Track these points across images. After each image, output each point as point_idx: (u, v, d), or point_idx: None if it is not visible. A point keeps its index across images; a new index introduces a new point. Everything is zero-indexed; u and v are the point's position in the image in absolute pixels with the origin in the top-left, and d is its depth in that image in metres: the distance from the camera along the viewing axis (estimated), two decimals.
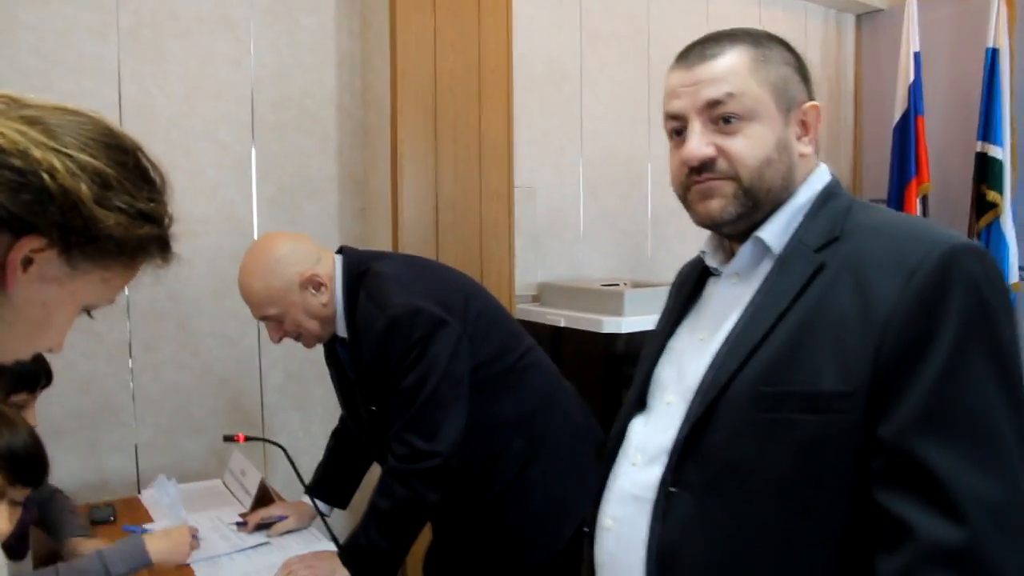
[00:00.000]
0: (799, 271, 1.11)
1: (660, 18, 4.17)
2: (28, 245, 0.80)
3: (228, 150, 3.03)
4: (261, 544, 2.20)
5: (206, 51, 2.95)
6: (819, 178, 1.21)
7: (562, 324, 3.40)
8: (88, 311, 0.93)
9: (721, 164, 1.15)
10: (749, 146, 1.14)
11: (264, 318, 2.02)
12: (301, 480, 1.92)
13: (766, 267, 1.17)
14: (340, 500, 2.34)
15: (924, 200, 4.81)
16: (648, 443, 1.21)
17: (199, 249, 2.94)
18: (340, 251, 2.11)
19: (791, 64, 1.19)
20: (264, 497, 2.44)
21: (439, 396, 1.88)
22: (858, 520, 1.02)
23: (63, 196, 0.80)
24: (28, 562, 1.96)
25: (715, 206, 1.17)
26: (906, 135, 4.78)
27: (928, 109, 4.83)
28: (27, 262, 0.81)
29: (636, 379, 1.33)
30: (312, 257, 2.02)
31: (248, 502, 2.44)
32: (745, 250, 1.19)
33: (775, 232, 1.17)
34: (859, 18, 5.31)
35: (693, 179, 1.17)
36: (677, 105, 1.18)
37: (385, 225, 3.17)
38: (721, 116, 1.14)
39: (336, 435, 2.43)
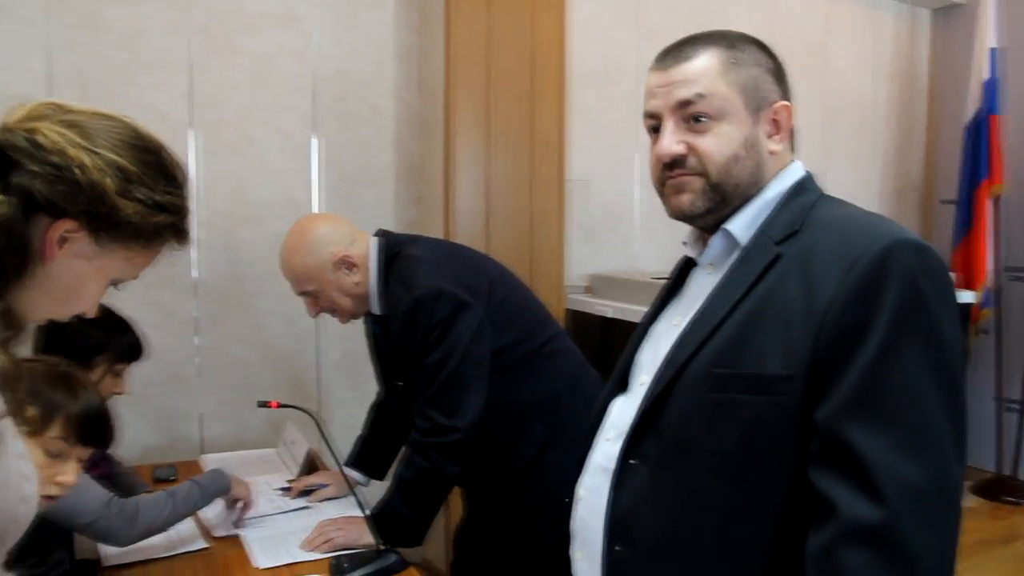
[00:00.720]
0: (758, 262, 1.18)
1: (721, 14, 4.20)
2: (63, 227, 0.96)
3: (291, 139, 3.21)
4: (302, 508, 2.36)
5: (271, 45, 3.14)
6: (791, 174, 1.28)
7: (610, 315, 3.48)
8: (115, 284, 1.08)
9: (691, 160, 1.24)
10: (717, 144, 1.22)
11: (302, 293, 2.19)
12: (331, 448, 2.07)
13: (735, 258, 1.25)
14: (377, 471, 2.48)
15: (996, 202, 4.71)
16: (620, 419, 1.30)
17: (262, 233, 3.12)
18: (379, 234, 2.25)
19: (764, 66, 1.26)
20: (310, 466, 2.61)
21: (460, 375, 2.01)
22: (796, 498, 1.10)
23: (91, 188, 0.96)
24: None
25: (685, 200, 1.26)
26: (978, 134, 4.69)
27: (1010, 108, 4.72)
28: (63, 240, 0.97)
29: (619, 362, 1.43)
30: (347, 239, 2.17)
31: (295, 470, 2.61)
32: (715, 241, 1.27)
33: (742, 225, 1.24)
34: (935, 13, 5.22)
35: (667, 174, 1.26)
36: (653, 104, 1.27)
37: (439, 214, 3.31)
38: (692, 115, 1.23)
39: (375, 409, 2.58)
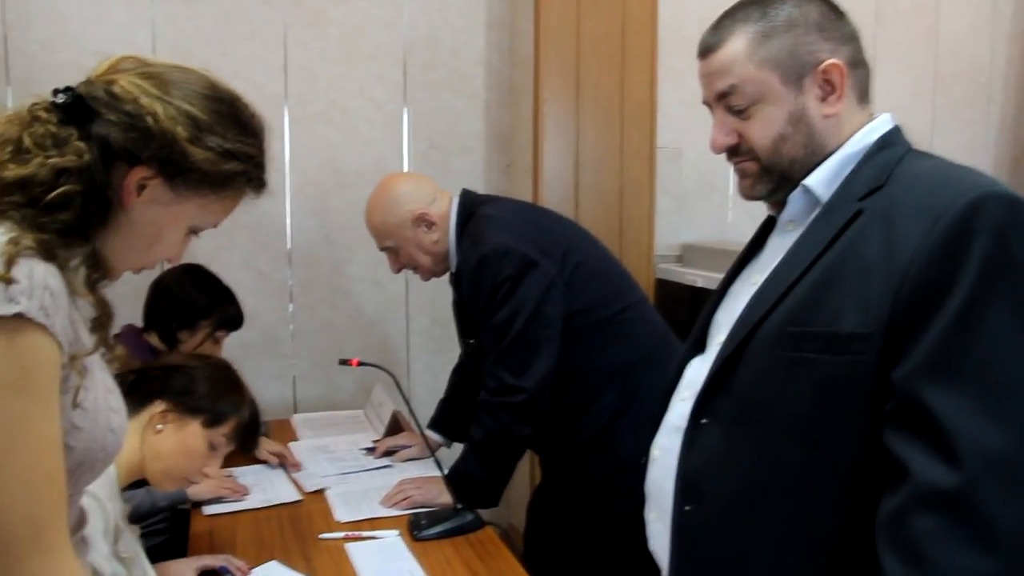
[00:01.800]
0: (838, 218, 1.14)
1: None
2: (139, 173, 1.01)
3: (382, 108, 3.26)
4: (385, 467, 2.43)
5: (362, 15, 3.18)
6: (877, 128, 1.22)
7: (699, 284, 3.42)
8: (195, 232, 1.12)
9: (743, 147, 1.23)
10: (760, 128, 1.20)
11: (383, 249, 2.24)
12: (409, 406, 2.11)
13: (815, 215, 1.22)
14: (458, 434, 2.52)
15: None
16: (695, 379, 1.28)
17: (353, 200, 3.17)
18: (461, 194, 2.27)
19: (803, 24, 1.19)
20: (395, 427, 2.66)
21: (529, 334, 2.01)
22: (869, 462, 1.06)
23: (163, 135, 1.01)
24: None
25: (746, 186, 1.27)
26: None
27: None
28: (140, 188, 1.02)
29: (697, 322, 1.41)
30: (428, 198, 2.19)
31: (381, 431, 2.68)
32: (794, 198, 1.24)
33: (822, 181, 1.20)
34: None
35: (730, 160, 1.26)
36: (703, 94, 1.26)
37: (528, 182, 3.31)
38: (730, 106, 1.21)
39: (456, 372, 2.61)
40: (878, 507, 1.04)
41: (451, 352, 3.37)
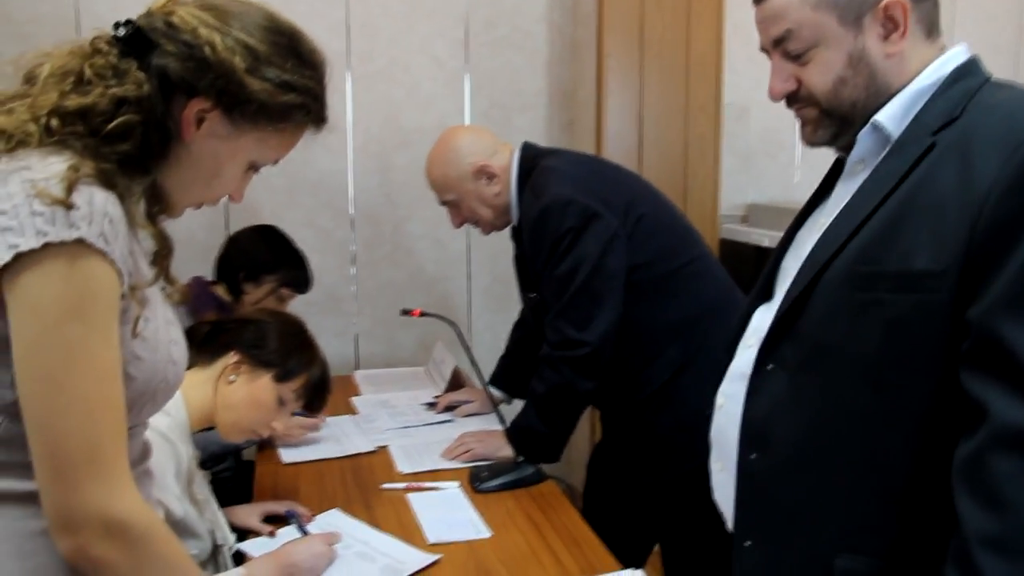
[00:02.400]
0: (910, 153, 1.09)
1: None
2: (198, 105, 1.01)
3: (443, 66, 3.24)
4: (446, 421, 2.44)
5: None
6: (950, 60, 1.17)
7: (764, 244, 3.36)
8: (255, 168, 1.12)
9: (803, 92, 1.18)
10: (819, 72, 1.15)
11: (444, 203, 2.22)
12: (471, 357, 2.11)
13: (885, 152, 1.17)
14: (519, 390, 2.51)
15: None
16: (761, 326, 1.25)
17: (414, 158, 3.16)
18: (523, 147, 2.24)
19: None
20: (456, 383, 2.67)
21: (591, 287, 1.98)
22: (944, 404, 1.02)
23: (220, 66, 1.00)
24: None
25: (808, 132, 1.22)
26: None
27: None
28: (199, 121, 1.02)
29: (764, 270, 1.37)
30: (488, 150, 2.17)
31: (442, 386, 2.69)
32: (863, 137, 1.19)
33: (892, 116, 1.15)
34: None
35: (791, 108, 1.22)
36: (760, 41, 1.21)
37: (590, 139, 3.27)
38: (787, 51, 1.16)
39: (517, 328, 2.60)
40: (954, 451, 1.00)
41: (512, 310, 3.37)
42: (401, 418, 2.46)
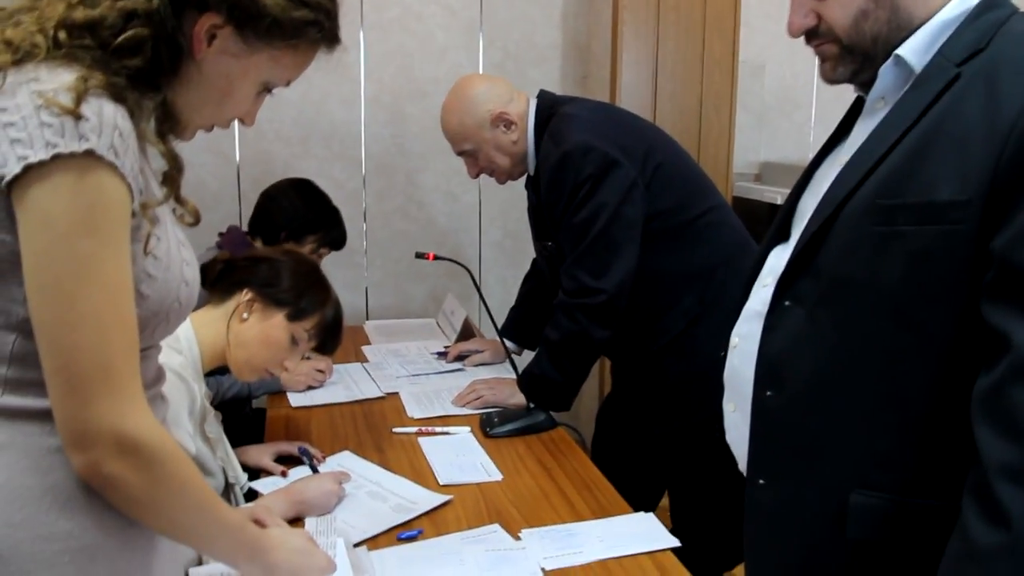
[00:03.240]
0: (934, 84, 1.07)
1: None
2: (209, 20, 0.98)
3: (457, 16, 3.20)
4: (456, 370, 2.44)
5: None
6: None
7: (777, 202, 3.34)
8: (268, 90, 1.10)
9: (822, 28, 1.15)
10: (839, 6, 1.12)
11: (460, 153, 2.20)
12: (484, 303, 2.11)
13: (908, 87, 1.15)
14: (529, 341, 2.50)
15: None
16: (777, 265, 1.24)
17: (428, 108, 3.15)
18: (539, 95, 2.22)
19: None
20: (467, 334, 2.68)
21: (609, 235, 1.98)
22: (964, 337, 1.01)
23: None
24: None
25: (827, 69, 1.19)
26: None
27: None
28: (210, 37, 0.99)
29: (780, 211, 1.35)
30: (504, 97, 2.15)
31: (453, 337, 2.69)
32: (885, 71, 1.16)
33: (916, 49, 1.12)
34: None
35: (810, 44, 1.19)
36: None
37: (604, 93, 3.23)
38: None
39: (528, 280, 2.60)
40: (974, 383, 0.99)
41: (523, 265, 3.36)
42: (411, 366, 2.46)
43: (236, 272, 1.70)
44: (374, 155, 3.21)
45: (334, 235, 2.55)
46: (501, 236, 3.38)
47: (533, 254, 2.55)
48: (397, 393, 2.24)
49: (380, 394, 2.23)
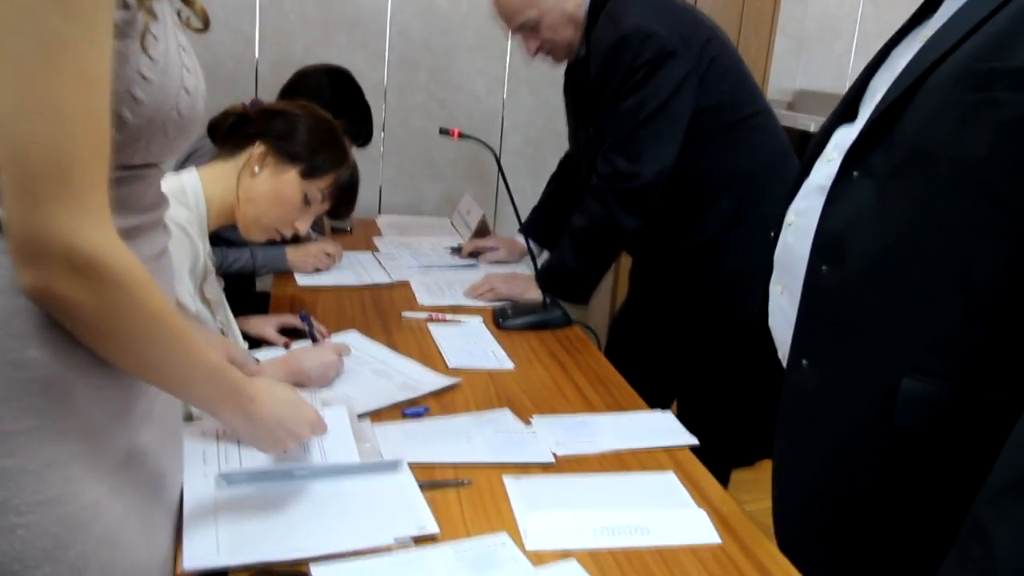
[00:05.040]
0: None
1: None
2: None
3: None
4: (470, 265, 2.35)
5: None
6: None
7: (811, 129, 3.22)
8: None
9: None
10: None
11: (519, 28, 2.04)
12: (507, 185, 2.00)
13: None
14: (550, 241, 2.41)
15: None
16: (844, 141, 1.14)
17: (456, 3, 3.02)
18: None
19: None
20: (483, 234, 2.59)
21: (654, 124, 1.88)
22: None
23: None
24: None
25: None
26: None
27: None
28: None
29: (849, 90, 1.25)
30: None
31: (467, 235, 2.60)
32: None
33: None
34: None
35: None
36: None
37: None
38: None
39: (553, 180, 2.49)
40: None
41: (543, 173, 3.26)
42: (423, 258, 2.38)
43: (249, 125, 1.59)
44: (398, 48, 3.08)
45: (359, 128, 2.41)
46: (522, 143, 3.26)
47: (553, 165, 2.46)
48: (407, 282, 2.16)
49: (390, 281, 2.15)
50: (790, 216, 1.20)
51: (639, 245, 2.09)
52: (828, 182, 1.11)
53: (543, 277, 2.00)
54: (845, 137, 1.14)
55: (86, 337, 0.83)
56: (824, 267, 1.08)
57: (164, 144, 0.91)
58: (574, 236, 1.98)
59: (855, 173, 1.06)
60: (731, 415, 1.96)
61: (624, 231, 1.94)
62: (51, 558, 0.84)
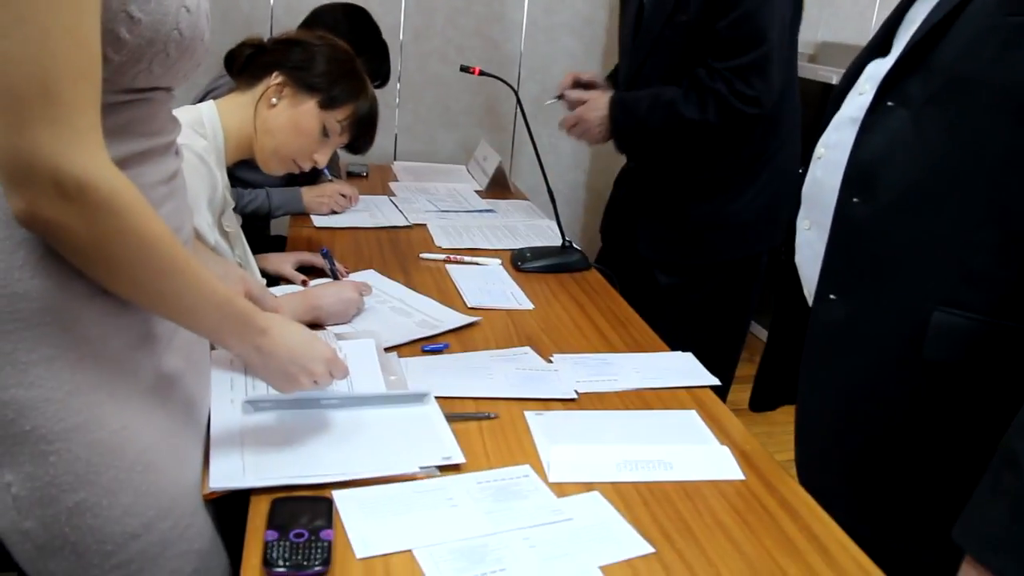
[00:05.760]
0: None
1: None
2: None
3: None
4: (487, 210, 2.34)
5: None
6: None
7: (833, 81, 3.17)
8: None
9: None
10: None
11: None
12: (528, 128, 1.98)
13: None
14: None
15: None
16: (877, 73, 1.12)
17: None
18: None
19: None
20: (500, 181, 2.56)
21: (773, 53, 1.88)
22: None
23: None
24: None
25: None
26: None
27: None
28: None
29: (882, 25, 1.22)
30: None
31: (484, 183, 2.59)
32: None
33: None
34: None
35: None
36: None
37: None
38: None
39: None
40: None
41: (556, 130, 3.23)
42: (441, 203, 2.36)
43: (266, 55, 1.57)
44: None
45: (376, 68, 2.36)
46: (539, 91, 3.21)
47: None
48: (424, 224, 2.15)
49: (407, 223, 2.14)
50: (819, 149, 1.18)
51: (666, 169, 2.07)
52: (860, 113, 1.09)
53: (614, 108, 1.98)
54: (878, 69, 1.12)
55: (80, 263, 0.82)
56: (855, 199, 1.06)
57: (167, 66, 0.87)
58: (657, 97, 1.95)
59: (889, 103, 1.05)
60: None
61: (699, 137, 1.94)
62: (85, 483, 0.86)
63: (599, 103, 1.98)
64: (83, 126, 0.77)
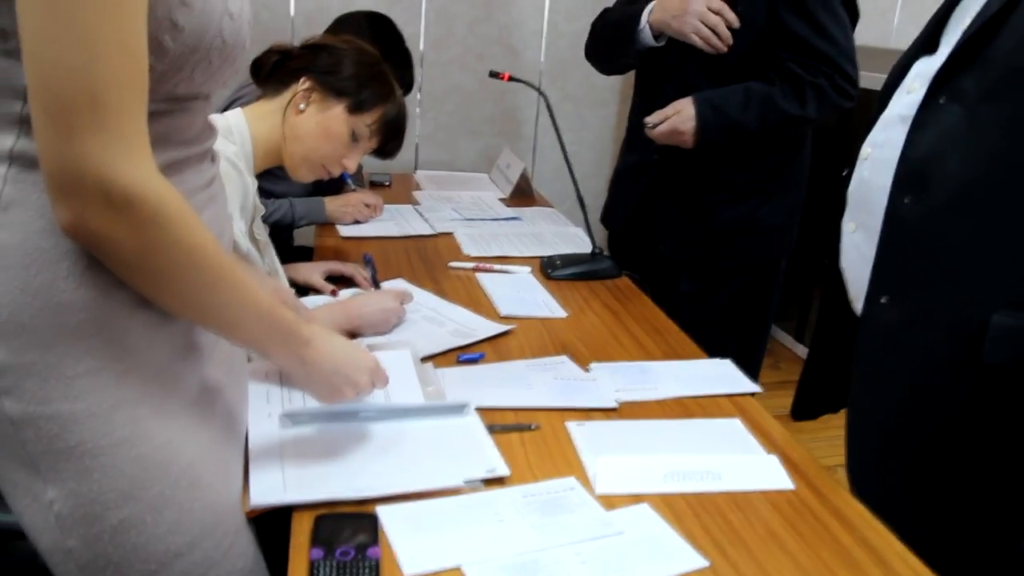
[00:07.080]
0: None
1: None
2: None
3: None
4: (513, 218, 2.32)
5: None
6: None
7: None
8: None
9: None
10: None
11: None
12: (556, 129, 1.96)
13: None
14: None
15: None
16: (926, 71, 1.09)
17: None
18: None
19: None
20: (524, 188, 2.54)
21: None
22: None
23: None
24: None
25: None
26: None
27: None
28: None
29: (928, 22, 1.20)
30: None
31: (508, 190, 2.56)
32: None
33: None
34: None
35: None
36: None
37: None
38: None
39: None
40: None
41: (579, 130, 3.22)
42: (466, 211, 2.34)
43: (293, 60, 1.55)
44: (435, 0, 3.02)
45: (399, 75, 2.32)
46: (560, 98, 3.20)
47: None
48: (451, 233, 2.13)
49: (433, 232, 2.12)
50: (866, 149, 1.15)
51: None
52: (910, 111, 1.06)
53: (700, 105, 1.91)
54: (927, 67, 1.09)
55: (126, 275, 0.80)
56: (906, 199, 1.03)
57: (209, 73, 0.86)
58: (749, 91, 1.90)
59: (942, 100, 1.02)
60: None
61: (796, 119, 1.89)
62: (130, 499, 0.84)
63: (686, 112, 1.91)
64: (131, 134, 0.75)
